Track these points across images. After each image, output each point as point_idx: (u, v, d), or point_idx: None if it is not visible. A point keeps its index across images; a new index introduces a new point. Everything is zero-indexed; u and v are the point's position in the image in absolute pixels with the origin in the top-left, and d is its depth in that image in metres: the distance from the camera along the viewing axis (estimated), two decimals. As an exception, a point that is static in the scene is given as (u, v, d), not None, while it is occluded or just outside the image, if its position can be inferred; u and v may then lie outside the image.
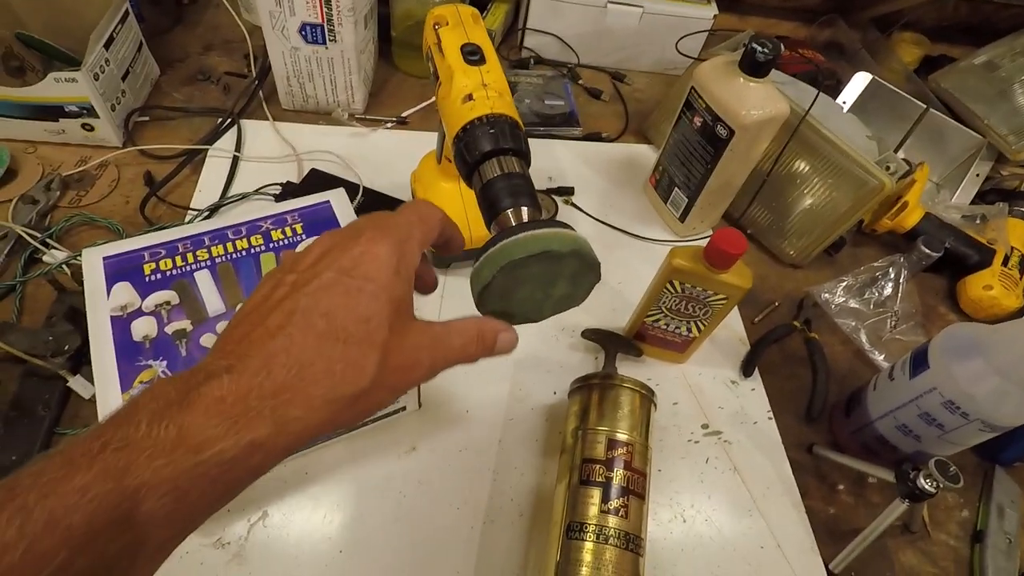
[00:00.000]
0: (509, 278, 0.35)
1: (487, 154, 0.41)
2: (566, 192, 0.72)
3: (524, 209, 0.39)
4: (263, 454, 0.23)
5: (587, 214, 0.71)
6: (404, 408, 0.52)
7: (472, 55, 0.45)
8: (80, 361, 0.53)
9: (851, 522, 0.54)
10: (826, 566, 0.51)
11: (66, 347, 0.52)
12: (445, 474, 0.51)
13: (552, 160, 0.76)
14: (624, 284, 0.65)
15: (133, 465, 0.21)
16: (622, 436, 0.47)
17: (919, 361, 0.49)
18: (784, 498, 0.54)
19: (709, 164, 0.61)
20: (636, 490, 0.45)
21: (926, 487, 0.45)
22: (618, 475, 0.45)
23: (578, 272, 0.37)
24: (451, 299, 0.62)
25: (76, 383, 0.51)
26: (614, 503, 0.44)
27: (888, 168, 0.62)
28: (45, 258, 0.58)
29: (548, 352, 0.59)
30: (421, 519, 0.49)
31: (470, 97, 0.44)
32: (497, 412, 0.55)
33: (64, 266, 0.56)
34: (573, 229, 0.37)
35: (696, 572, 0.49)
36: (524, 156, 0.42)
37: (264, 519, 0.47)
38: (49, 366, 0.51)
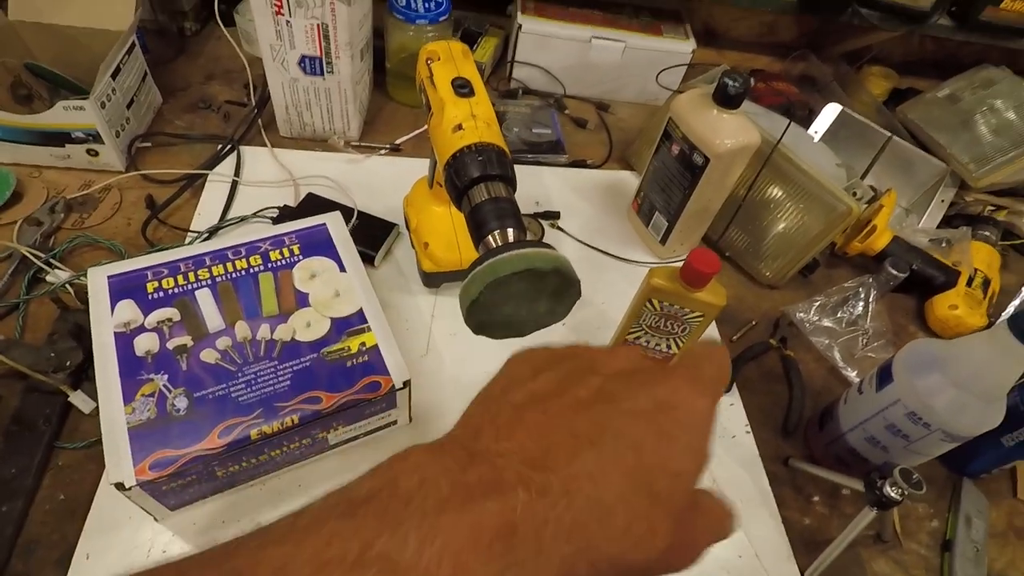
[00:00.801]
0: (495, 294, 0.38)
1: (475, 180, 0.44)
2: (552, 216, 0.75)
3: (510, 231, 0.42)
4: None
5: (573, 237, 0.74)
6: (395, 422, 0.54)
7: (462, 88, 0.49)
8: (81, 377, 0.54)
9: (826, 532, 0.56)
10: (802, 574, 0.53)
11: (67, 363, 0.54)
12: (434, 486, 0.53)
13: (539, 186, 0.80)
14: (608, 304, 0.68)
15: None
16: None
17: (885, 375, 0.52)
18: (762, 509, 0.56)
19: (687, 190, 0.65)
20: None
21: (892, 495, 0.48)
22: None
23: (559, 289, 0.40)
24: (441, 320, 0.64)
25: (76, 398, 0.52)
26: None
27: (855, 194, 0.66)
28: (48, 278, 0.60)
29: (535, 369, 0.62)
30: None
31: (460, 127, 0.47)
32: (485, 426, 0.57)
33: (67, 285, 0.58)
34: (555, 249, 0.40)
35: (677, 580, 0.51)
36: (510, 182, 0.45)
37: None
38: (51, 381, 0.52)
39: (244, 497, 0.50)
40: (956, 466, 0.62)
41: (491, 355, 0.67)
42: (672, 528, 0.20)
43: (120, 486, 0.41)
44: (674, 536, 0.20)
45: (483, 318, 0.40)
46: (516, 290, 0.38)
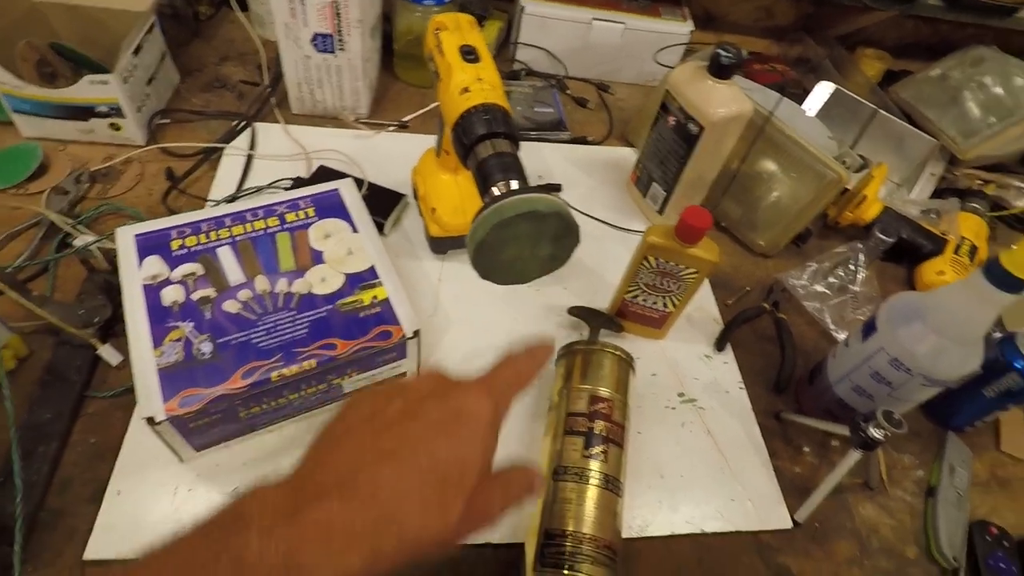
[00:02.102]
0: (500, 236, 0.41)
1: (481, 137, 0.47)
2: (554, 188, 0.78)
3: (513, 182, 0.45)
4: None
5: (573, 207, 0.76)
6: (405, 374, 0.57)
7: (469, 54, 0.52)
8: (108, 332, 0.57)
9: (815, 480, 0.58)
10: (792, 517, 0.56)
11: (96, 319, 0.57)
12: (443, 433, 0.56)
13: (541, 161, 0.83)
14: (607, 270, 0.71)
15: None
16: (604, 392, 0.52)
17: (869, 327, 0.55)
18: (754, 458, 0.59)
19: (683, 159, 0.68)
20: (615, 439, 0.50)
21: (875, 435, 0.51)
22: (599, 426, 0.50)
23: (560, 233, 0.43)
24: (448, 283, 0.67)
25: (105, 351, 0.56)
26: (595, 449, 0.49)
27: (845, 163, 0.69)
28: (75, 242, 0.63)
29: (536, 328, 0.65)
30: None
31: (467, 90, 0.50)
32: (490, 380, 0.60)
33: (95, 248, 0.61)
34: (557, 197, 0.43)
35: (672, 520, 0.54)
36: (514, 139, 0.48)
37: (276, 471, 0.51)
38: (81, 335, 0.55)
39: (262, 442, 0.53)
40: (941, 420, 0.64)
41: (494, 314, 0.70)
42: (463, 503, 0.26)
43: (151, 420, 0.44)
44: (467, 509, 0.27)
45: (489, 261, 0.43)
46: (519, 232, 0.41)
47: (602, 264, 0.71)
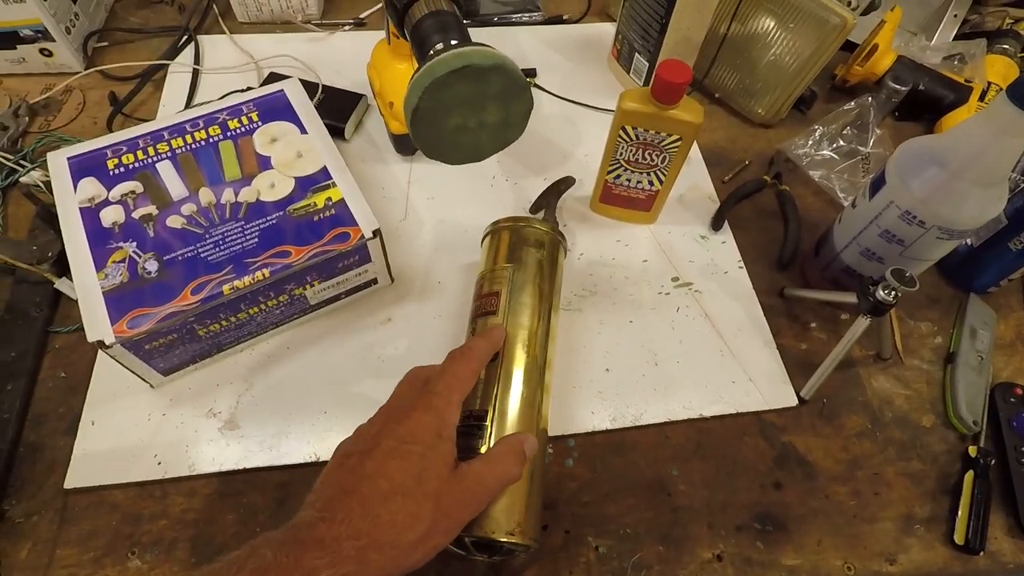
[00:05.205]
0: (436, 99, 0.36)
1: (415, -4, 0.41)
2: (529, 74, 0.71)
3: (453, 42, 0.39)
4: None
5: (551, 93, 0.70)
6: (376, 281, 0.54)
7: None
8: (65, 265, 0.55)
9: (823, 355, 0.54)
10: (798, 395, 0.52)
11: (49, 254, 0.54)
12: (422, 339, 0.53)
13: (514, 46, 0.75)
14: (590, 156, 0.65)
15: None
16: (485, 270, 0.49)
17: (878, 182, 0.49)
18: (755, 338, 0.55)
19: (663, 19, 0.60)
20: (488, 310, 0.46)
21: (884, 297, 0.46)
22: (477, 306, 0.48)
23: (506, 92, 0.38)
24: (417, 185, 0.62)
25: (63, 285, 0.53)
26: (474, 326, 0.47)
27: (849, 3, 0.60)
28: (23, 179, 0.60)
29: (516, 224, 0.60)
30: (399, 378, 0.51)
31: (395, -56, 0.43)
32: (469, 280, 0.56)
33: (40, 183, 0.58)
34: (497, 50, 0.37)
35: (668, 407, 0.51)
36: (452, -4, 0.42)
37: (250, 389, 0.50)
38: (36, 271, 0.53)
39: (235, 362, 0.51)
40: (963, 282, 0.59)
41: (467, 212, 0.65)
42: (433, 507, 0.32)
43: (102, 344, 0.42)
44: (436, 511, 0.32)
45: (430, 134, 0.38)
46: (458, 94, 0.36)
47: (585, 150, 0.66)
